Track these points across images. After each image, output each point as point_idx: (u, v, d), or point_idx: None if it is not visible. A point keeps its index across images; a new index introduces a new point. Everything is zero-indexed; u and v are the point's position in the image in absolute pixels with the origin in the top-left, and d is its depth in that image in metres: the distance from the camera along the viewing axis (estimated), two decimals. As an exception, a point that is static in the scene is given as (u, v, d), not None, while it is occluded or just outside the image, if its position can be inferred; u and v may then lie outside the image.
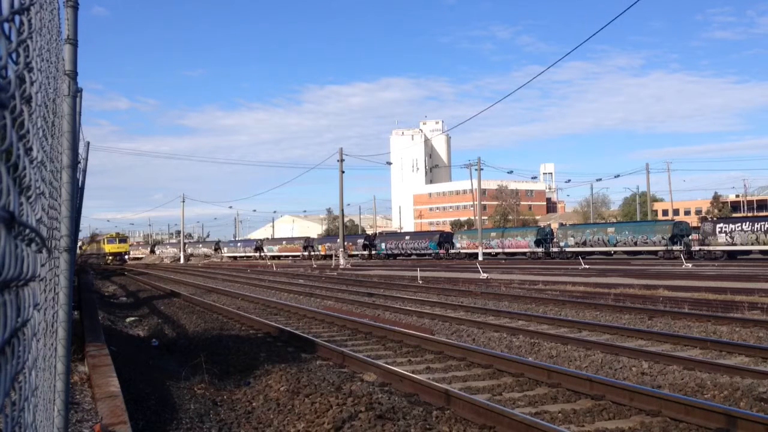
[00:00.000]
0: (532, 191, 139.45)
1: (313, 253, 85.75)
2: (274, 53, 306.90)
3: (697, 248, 51.03)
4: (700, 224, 57.32)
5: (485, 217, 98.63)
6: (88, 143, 11.70)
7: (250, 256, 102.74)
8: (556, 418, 6.88)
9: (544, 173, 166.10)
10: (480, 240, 65.68)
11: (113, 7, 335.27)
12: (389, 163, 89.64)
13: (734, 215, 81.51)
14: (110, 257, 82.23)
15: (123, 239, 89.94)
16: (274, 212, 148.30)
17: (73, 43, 5.38)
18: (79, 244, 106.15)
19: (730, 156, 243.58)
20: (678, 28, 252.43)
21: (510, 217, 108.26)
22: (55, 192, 4.13)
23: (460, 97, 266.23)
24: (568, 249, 60.31)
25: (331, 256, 67.93)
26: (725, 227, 49.41)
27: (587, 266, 39.06)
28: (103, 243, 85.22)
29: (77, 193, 7.67)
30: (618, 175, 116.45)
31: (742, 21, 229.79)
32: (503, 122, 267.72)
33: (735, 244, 48.50)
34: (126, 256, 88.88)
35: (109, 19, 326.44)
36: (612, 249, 58.72)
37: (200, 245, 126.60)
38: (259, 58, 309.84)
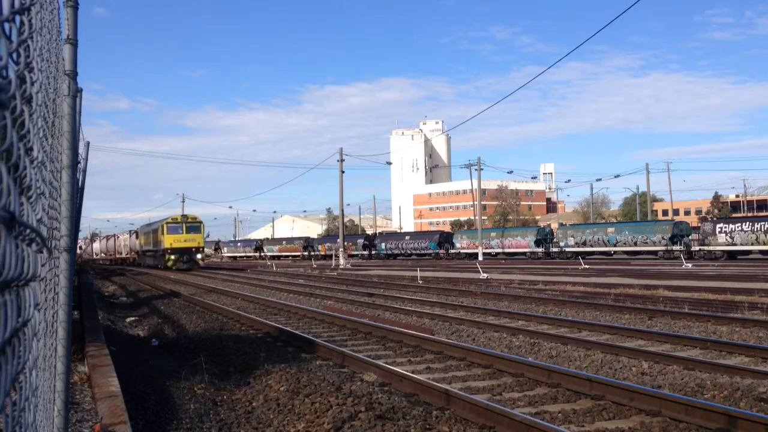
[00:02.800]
0: (532, 191, 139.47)
1: (313, 253, 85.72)
2: (274, 53, 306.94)
3: (697, 248, 51.06)
4: (700, 224, 57.34)
5: (485, 217, 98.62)
6: (88, 143, 11.70)
7: (250, 256, 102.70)
8: (556, 418, 6.88)
9: (544, 173, 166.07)
10: (480, 240, 65.67)
11: (113, 8, 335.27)
12: (389, 163, 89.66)
13: (734, 215, 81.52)
14: (172, 256, 50.66)
15: (194, 226, 52.91)
16: (274, 212, 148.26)
17: (73, 43, 5.38)
18: (125, 237, 75.21)
19: (730, 156, 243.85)
20: (676, 28, 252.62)
21: (510, 217, 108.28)
22: (55, 192, 4.13)
23: (459, 97, 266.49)
24: (568, 249, 60.31)
25: (331, 256, 67.93)
26: (725, 227, 49.42)
27: (587, 266, 39.05)
28: (162, 233, 52.33)
29: (77, 193, 7.67)
30: (618, 175, 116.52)
31: (741, 22, 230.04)
32: (503, 122, 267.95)
33: (735, 244, 48.51)
34: (199, 255, 53.00)
35: (109, 19, 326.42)
36: (612, 249, 58.73)
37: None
38: (259, 58, 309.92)
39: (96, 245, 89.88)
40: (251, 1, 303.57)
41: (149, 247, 59.02)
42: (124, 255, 76.45)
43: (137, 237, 66.69)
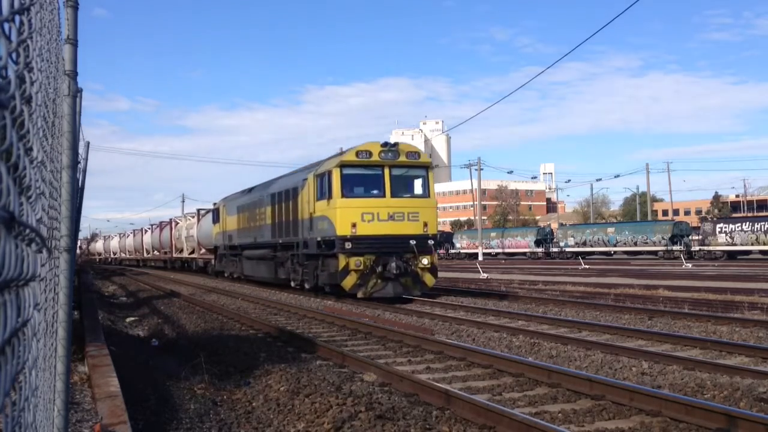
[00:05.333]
0: (532, 191, 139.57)
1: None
2: (274, 54, 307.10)
3: (697, 248, 51.12)
4: (700, 224, 57.36)
5: (485, 217, 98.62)
6: (88, 143, 11.69)
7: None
8: (556, 418, 6.88)
9: (543, 173, 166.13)
10: (480, 240, 65.69)
11: (113, 9, 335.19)
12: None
13: (734, 215, 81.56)
14: (355, 260, 18.29)
15: (412, 173, 19.64)
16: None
17: (73, 43, 5.38)
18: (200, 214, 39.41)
19: (730, 156, 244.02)
20: (675, 29, 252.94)
21: (510, 217, 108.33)
22: (55, 192, 4.13)
23: (459, 97, 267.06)
24: (568, 249, 60.35)
25: (331, 256, 67.56)
26: (725, 227, 49.45)
27: (587, 266, 39.06)
28: (320, 194, 19.45)
29: (77, 193, 7.67)
30: (618, 175, 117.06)
31: (739, 22, 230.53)
32: (503, 122, 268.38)
33: (735, 244, 48.53)
34: (427, 259, 18.99)
35: (109, 19, 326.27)
36: (612, 249, 58.73)
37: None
38: (258, 58, 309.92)
39: (147, 237, 59.85)
40: (251, 2, 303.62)
41: (260, 235, 25.98)
42: (185, 254, 45.38)
43: (217, 218, 34.08)
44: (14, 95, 1.18)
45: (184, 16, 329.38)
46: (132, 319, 18.36)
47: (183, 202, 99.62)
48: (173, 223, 50.13)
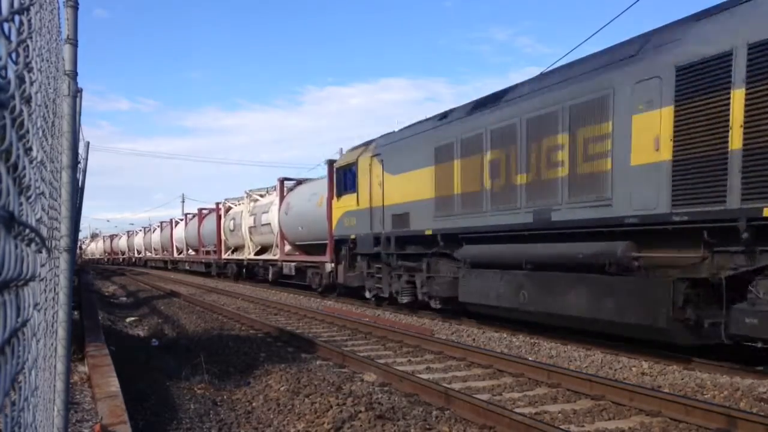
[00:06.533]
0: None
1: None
2: (274, 54, 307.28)
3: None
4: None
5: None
6: (88, 143, 11.70)
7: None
8: (556, 418, 6.88)
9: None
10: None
11: (113, 9, 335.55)
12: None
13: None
14: None
15: None
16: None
17: (73, 43, 5.38)
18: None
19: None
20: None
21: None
22: (55, 192, 4.13)
23: (459, 97, 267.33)
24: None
25: (331, 256, 66.81)
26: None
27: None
28: None
29: (77, 193, 7.68)
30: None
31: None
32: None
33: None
34: None
35: (110, 20, 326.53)
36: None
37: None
38: (259, 58, 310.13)
39: (179, 231, 45.99)
40: (251, 2, 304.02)
41: (598, 197, 9.74)
42: (248, 254, 30.03)
43: (353, 184, 17.79)
44: (14, 95, 1.18)
45: (184, 17, 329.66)
46: (132, 319, 18.35)
47: (183, 202, 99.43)
48: (221, 210, 33.94)
